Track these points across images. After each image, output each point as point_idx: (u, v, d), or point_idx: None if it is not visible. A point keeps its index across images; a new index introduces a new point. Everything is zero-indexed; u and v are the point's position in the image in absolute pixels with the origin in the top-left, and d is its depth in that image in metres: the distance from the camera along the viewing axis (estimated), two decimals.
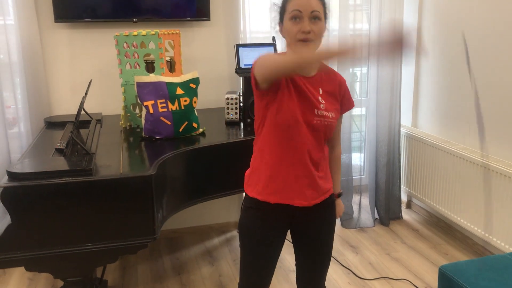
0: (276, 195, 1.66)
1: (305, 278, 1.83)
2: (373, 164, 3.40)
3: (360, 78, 3.59)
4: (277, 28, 1.67)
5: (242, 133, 2.56)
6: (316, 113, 1.62)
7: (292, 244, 1.83)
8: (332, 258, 2.92)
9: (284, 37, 1.65)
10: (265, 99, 1.61)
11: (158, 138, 2.39)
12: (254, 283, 1.76)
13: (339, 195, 1.87)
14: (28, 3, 2.74)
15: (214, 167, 2.38)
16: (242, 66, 2.73)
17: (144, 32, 2.49)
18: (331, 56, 1.36)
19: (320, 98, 1.64)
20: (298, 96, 1.60)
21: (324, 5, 1.60)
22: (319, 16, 1.56)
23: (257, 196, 1.68)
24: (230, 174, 2.38)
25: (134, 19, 2.94)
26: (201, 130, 2.52)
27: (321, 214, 1.74)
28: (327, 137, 1.69)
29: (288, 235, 1.81)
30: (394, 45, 1.24)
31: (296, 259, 1.85)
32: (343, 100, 1.72)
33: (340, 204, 1.88)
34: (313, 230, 1.75)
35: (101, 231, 1.87)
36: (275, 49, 2.80)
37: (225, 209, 3.36)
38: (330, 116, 1.65)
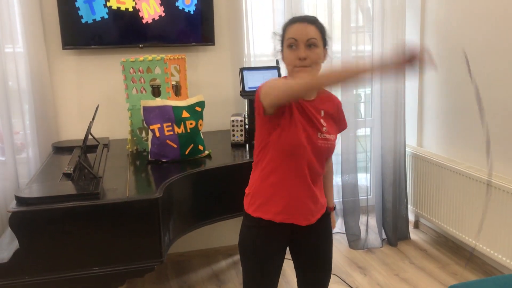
0: (281, 215, 1.69)
1: None
2: (379, 184, 3.39)
3: (364, 99, 3.61)
4: (279, 56, 1.71)
5: (248, 155, 2.58)
6: (320, 136, 1.66)
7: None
8: (340, 280, 2.90)
9: (284, 63, 1.70)
10: (269, 124, 1.64)
11: (164, 161, 2.41)
12: None
13: (334, 208, 1.95)
14: (36, 31, 2.80)
15: (221, 189, 2.39)
16: (246, 89, 2.76)
17: (150, 58, 2.54)
18: (345, 77, 1.37)
19: (322, 120, 1.68)
20: (302, 120, 1.64)
21: (322, 32, 1.63)
22: (315, 43, 1.60)
23: (261, 215, 1.70)
24: (236, 196, 2.37)
25: (140, 45, 2.99)
26: (207, 152, 2.54)
27: (319, 227, 1.78)
28: (328, 158, 1.75)
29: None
30: (401, 65, 1.26)
31: (298, 275, 1.88)
32: (339, 121, 1.78)
33: (333, 218, 1.94)
34: (313, 244, 1.79)
35: (109, 255, 1.88)
36: (279, 72, 2.83)
37: (232, 232, 3.35)
38: (332, 138, 1.70)
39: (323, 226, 1.81)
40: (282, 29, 1.67)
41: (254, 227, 1.73)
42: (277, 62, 2.89)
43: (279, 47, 1.70)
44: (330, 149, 1.70)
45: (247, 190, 1.79)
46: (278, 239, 1.74)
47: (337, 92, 1.85)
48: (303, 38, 1.58)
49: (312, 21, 1.63)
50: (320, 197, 1.76)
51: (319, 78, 1.46)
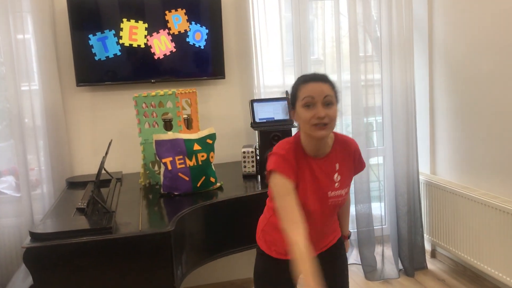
0: (286, 255, 1.72)
1: None
2: (394, 214, 3.35)
3: (375, 128, 3.61)
4: (290, 115, 1.67)
5: (260, 186, 2.58)
6: (330, 195, 1.66)
7: None
8: None
9: (297, 121, 1.66)
10: None
11: (176, 194, 2.42)
12: None
13: (348, 237, 1.97)
14: (51, 69, 2.87)
15: (233, 221, 2.38)
16: (257, 120, 2.78)
17: (162, 93, 2.58)
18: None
19: (336, 175, 1.66)
20: (314, 187, 1.63)
21: (334, 89, 1.59)
22: (331, 101, 1.55)
23: (270, 253, 1.77)
24: (249, 228, 2.36)
25: (152, 80, 3.05)
26: (218, 184, 2.55)
27: (331, 257, 1.81)
28: (339, 209, 1.77)
29: None
30: None
31: None
32: (356, 163, 1.75)
33: (347, 244, 1.96)
34: (327, 271, 1.77)
35: None
36: (288, 103, 2.84)
37: (246, 264, 3.31)
38: (344, 193, 1.69)
39: (337, 253, 1.83)
40: (294, 88, 1.62)
41: (265, 254, 1.79)
42: (286, 93, 2.91)
43: (289, 106, 1.66)
44: (341, 203, 1.70)
45: (259, 221, 1.83)
46: (290, 268, 1.75)
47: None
48: (320, 96, 1.54)
49: (325, 79, 1.58)
50: (330, 234, 1.80)
51: (297, 260, 1.46)
